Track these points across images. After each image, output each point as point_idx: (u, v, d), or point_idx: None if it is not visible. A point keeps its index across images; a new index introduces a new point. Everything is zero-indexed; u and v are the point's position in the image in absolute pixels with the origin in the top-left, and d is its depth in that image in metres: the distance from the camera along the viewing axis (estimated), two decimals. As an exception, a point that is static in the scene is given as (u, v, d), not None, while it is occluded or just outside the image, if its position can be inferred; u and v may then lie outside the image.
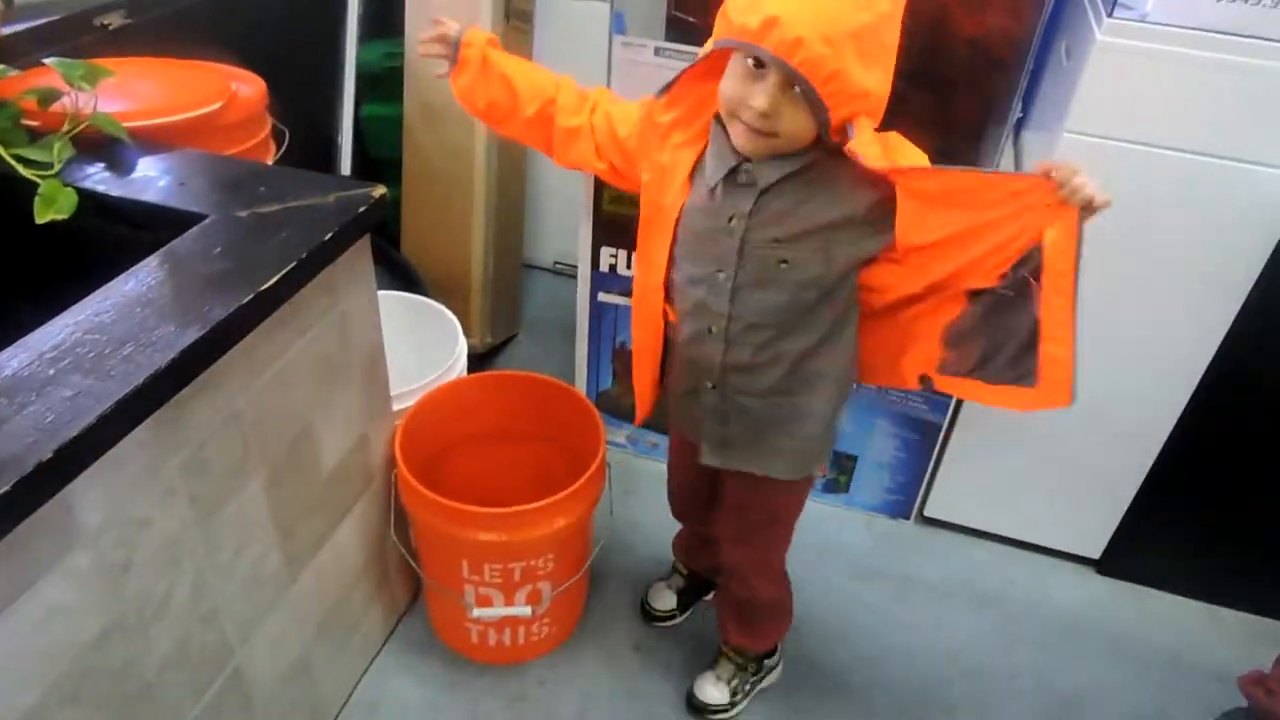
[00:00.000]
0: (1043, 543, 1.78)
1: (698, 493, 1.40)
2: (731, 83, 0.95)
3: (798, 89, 0.89)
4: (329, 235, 1.05)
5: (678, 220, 1.08)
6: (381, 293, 1.29)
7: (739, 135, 0.97)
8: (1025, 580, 1.75)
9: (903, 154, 0.98)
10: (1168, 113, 1.29)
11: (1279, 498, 1.57)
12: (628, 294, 1.71)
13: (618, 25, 1.49)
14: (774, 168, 0.99)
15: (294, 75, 1.61)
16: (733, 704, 1.48)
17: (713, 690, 1.47)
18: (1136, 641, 1.65)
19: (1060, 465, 1.65)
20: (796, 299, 1.05)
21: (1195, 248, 1.37)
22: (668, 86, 1.04)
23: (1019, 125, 1.64)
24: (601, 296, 1.73)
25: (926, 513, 1.82)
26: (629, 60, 1.49)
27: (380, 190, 1.15)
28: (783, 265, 1.03)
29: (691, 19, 1.48)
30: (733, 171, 1.01)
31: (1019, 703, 1.54)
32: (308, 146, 1.60)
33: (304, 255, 1.01)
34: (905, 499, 1.81)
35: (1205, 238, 1.36)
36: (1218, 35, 1.22)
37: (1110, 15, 1.26)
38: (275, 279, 0.97)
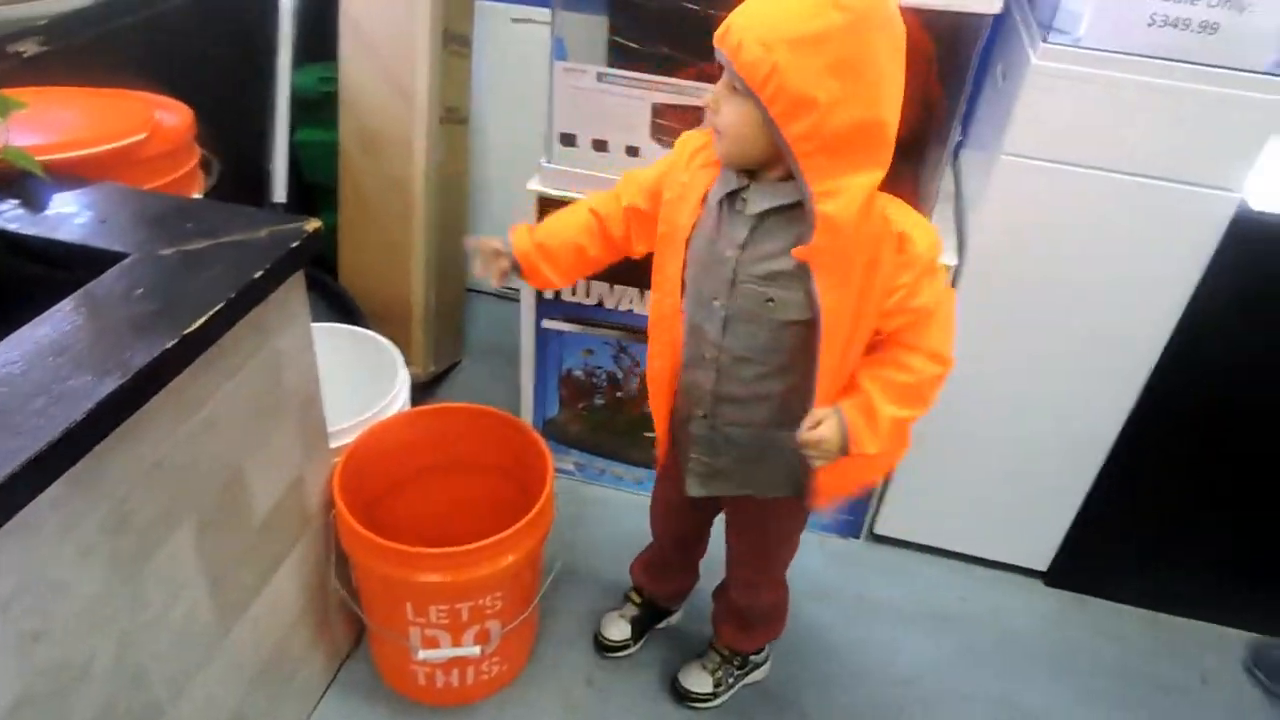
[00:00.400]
0: (992, 557, 1.79)
1: (686, 513, 1.40)
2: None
3: (738, 87, 0.93)
4: (260, 273, 1.01)
5: (688, 241, 1.09)
6: (317, 325, 1.25)
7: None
8: (976, 596, 1.76)
9: (899, 224, 0.99)
10: (1103, 135, 1.31)
11: (1218, 506, 1.60)
12: (571, 320, 1.69)
13: (558, 51, 1.47)
14: (764, 196, 1.00)
15: (224, 102, 1.56)
16: (715, 694, 1.51)
17: (698, 679, 1.50)
18: (1085, 654, 1.67)
19: (1007, 480, 1.67)
20: (783, 338, 1.05)
21: (1133, 265, 1.40)
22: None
23: (957, 147, 1.66)
24: (545, 323, 1.70)
25: (877, 531, 1.81)
26: (571, 86, 1.47)
27: (314, 224, 1.11)
28: (769, 304, 1.03)
29: (634, 44, 1.47)
30: (731, 196, 1.03)
31: (974, 723, 1.54)
32: (240, 175, 1.55)
33: (233, 295, 0.96)
34: (856, 518, 1.80)
35: (1143, 255, 1.38)
36: (1150, 60, 1.24)
37: (1045, 40, 1.28)
38: (202, 320, 0.92)
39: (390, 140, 1.91)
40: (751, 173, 1.02)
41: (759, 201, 1.01)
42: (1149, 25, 1.23)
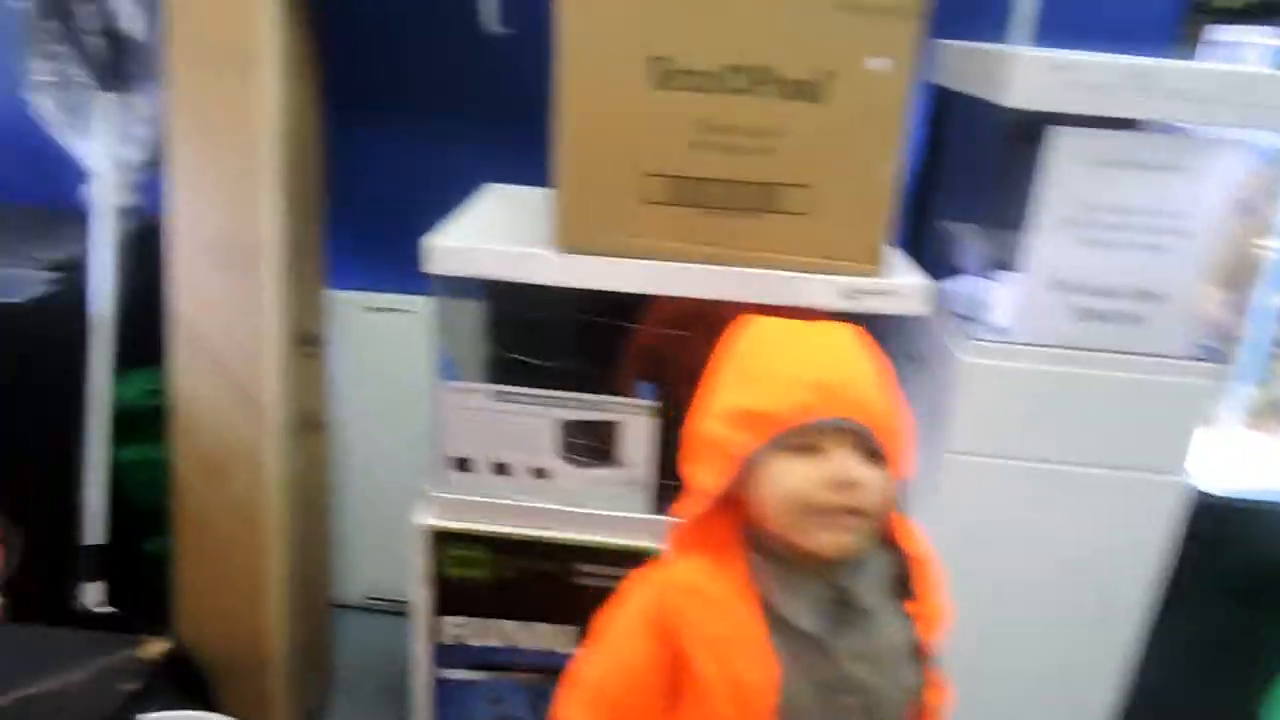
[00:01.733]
0: None
1: None
2: (789, 478, 0.76)
3: (875, 451, 0.77)
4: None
5: (777, 707, 0.79)
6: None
7: (830, 538, 0.76)
8: None
9: None
10: (1043, 427, 1.26)
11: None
12: (477, 667, 1.42)
13: (448, 370, 1.29)
14: (872, 571, 0.82)
15: (24, 448, 1.27)
16: None
17: None
18: None
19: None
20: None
21: (1095, 552, 1.32)
22: (680, 541, 0.84)
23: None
24: (445, 674, 1.42)
25: None
26: (465, 408, 1.29)
27: (157, 648, 0.84)
28: (916, 688, 0.83)
29: (530, 359, 1.31)
30: (833, 605, 0.79)
31: None
32: (45, 531, 1.23)
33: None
34: None
35: (1102, 542, 1.31)
36: (1079, 351, 1.22)
37: (974, 338, 1.23)
38: None
39: (236, 458, 1.63)
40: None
41: (868, 583, 0.81)
42: (1074, 319, 1.21)
